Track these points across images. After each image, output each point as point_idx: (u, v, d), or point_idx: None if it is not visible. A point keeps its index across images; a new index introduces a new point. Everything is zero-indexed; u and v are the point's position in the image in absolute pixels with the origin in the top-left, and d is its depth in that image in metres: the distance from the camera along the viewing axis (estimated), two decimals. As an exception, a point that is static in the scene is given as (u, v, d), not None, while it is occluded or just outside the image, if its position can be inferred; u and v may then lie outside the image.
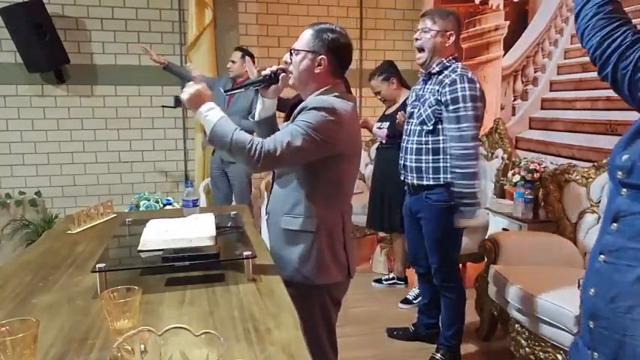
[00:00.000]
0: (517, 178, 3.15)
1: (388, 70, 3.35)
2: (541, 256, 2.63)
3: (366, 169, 4.71)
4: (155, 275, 1.47)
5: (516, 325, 2.43)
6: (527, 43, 3.86)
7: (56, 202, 4.34)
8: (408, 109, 2.46)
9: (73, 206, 4.13)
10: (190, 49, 4.21)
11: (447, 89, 2.22)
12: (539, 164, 3.15)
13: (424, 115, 2.31)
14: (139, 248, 1.51)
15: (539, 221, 3.08)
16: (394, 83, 3.34)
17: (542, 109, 3.64)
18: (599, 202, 2.62)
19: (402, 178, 2.51)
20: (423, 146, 2.33)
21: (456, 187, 2.24)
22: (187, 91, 1.55)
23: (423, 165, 2.35)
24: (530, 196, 3.12)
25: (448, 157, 2.27)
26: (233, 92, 1.88)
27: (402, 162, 2.46)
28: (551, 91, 3.63)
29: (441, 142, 2.29)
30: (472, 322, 2.91)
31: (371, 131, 3.70)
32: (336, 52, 1.60)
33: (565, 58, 4.27)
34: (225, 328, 1.14)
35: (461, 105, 2.19)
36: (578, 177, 2.74)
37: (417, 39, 2.32)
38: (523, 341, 2.38)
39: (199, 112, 1.54)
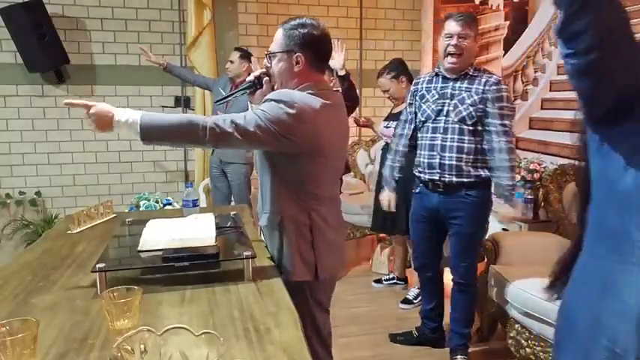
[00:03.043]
0: (517, 178, 3.15)
1: (398, 68, 3.29)
2: (541, 256, 2.62)
3: (366, 168, 4.71)
4: (155, 275, 1.47)
5: (516, 325, 2.43)
6: (527, 43, 3.86)
7: (56, 202, 4.34)
8: (432, 106, 2.41)
9: (73, 206, 4.12)
10: (190, 49, 4.21)
11: (494, 88, 2.30)
12: (539, 164, 3.14)
13: (465, 113, 2.32)
14: (139, 248, 1.52)
15: (539, 221, 3.08)
16: (403, 82, 3.27)
17: (542, 109, 3.64)
18: (599, 202, 2.62)
19: (427, 177, 2.45)
20: (465, 145, 2.33)
21: (502, 179, 2.33)
22: (89, 121, 1.46)
23: (464, 163, 2.34)
24: (530, 196, 3.12)
25: (496, 152, 2.31)
26: (223, 101, 1.89)
27: (435, 160, 2.39)
28: (551, 91, 3.63)
29: (477, 142, 2.34)
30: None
31: (373, 129, 3.67)
32: (311, 47, 1.56)
33: (565, 58, 4.28)
34: (225, 328, 1.14)
35: (505, 104, 2.30)
36: (578, 177, 2.74)
37: (455, 45, 2.30)
38: (523, 341, 2.38)
39: (117, 123, 1.43)
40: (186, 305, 1.28)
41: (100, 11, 4.26)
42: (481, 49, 4.24)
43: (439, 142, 2.38)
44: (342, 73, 3.16)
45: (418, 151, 2.50)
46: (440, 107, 2.38)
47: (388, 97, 3.42)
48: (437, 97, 2.41)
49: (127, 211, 2.52)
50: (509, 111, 2.32)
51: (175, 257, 1.46)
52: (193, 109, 4.42)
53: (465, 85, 2.35)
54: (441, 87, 2.41)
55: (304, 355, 1.04)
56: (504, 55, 4.01)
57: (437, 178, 2.40)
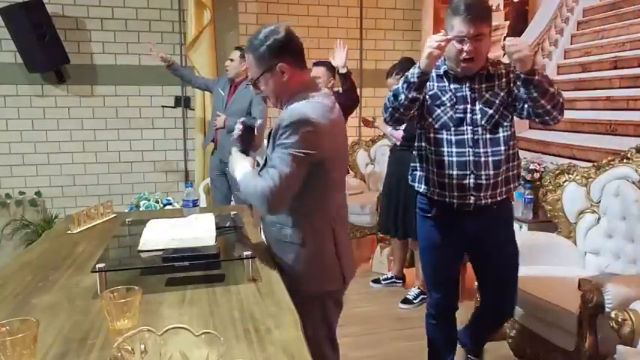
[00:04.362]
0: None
1: (407, 68, 3.23)
2: (541, 256, 2.63)
3: (366, 168, 4.71)
4: (155, 275, 1.47)
5: (516, 325, 2.43)
6: (527, 43, 3.85)
7: (56, 202, 4.34)
8: (450, 112, 1.94)
9: (73, 206, 4.12)
10: (190, 49, 4.21)
11: (512, 68, 1.90)
12: (539, 164, 3.14)
13: (497, 117, 1.90)
14: (139, 248, 1.52)
15: (539, 221, 3.08)
16: None
17: (542, 109, 3.63)
18: (599, 202, 2.62)
19: (454, 201, 1.96)
20: (502, 157, 1.91)
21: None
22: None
23: (499, 179, 1.93)
24: (530, 196, 3.12)
25: None
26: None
27: (468, 181, 1.91)
28: (551, 91, 3.62)
29: (511, 147, 1.94)
30: (472, 322, 2.91)
31: (381, 129, 3.64)
32: (285, 51, 1.52)
33: (565, 58, 4.27)
34: (225, 328, 1.14)
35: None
36: (578, 177, 2.74)
37: (469, 51, 1.83)
38: (523, 341, 2.38)
39: (232, 171, 1.62)
40: (187, 305, 1.28)
41: (100, 11, 4.26)
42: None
43: (471, 157, 1.91)
44: (343, 71, 3.16)
45: (429, 167, 2.01)
46: (461, 115, 1.92)
47: None
48: (454, 101, 1.93)
49: (127, 211, 2.52)
50: None
51: (175, 257, 1.46)
52: (193, 109, 4.43)
53: (484, 84, 1.93)
54: (455, 88, 1.94)
55: (304, 355, 1.04)
56: (504, 55, 4.01)
57: (471, 201, 1.94)
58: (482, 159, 1.90)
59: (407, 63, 3.27)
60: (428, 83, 1.95)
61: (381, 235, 4.02)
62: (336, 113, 1.61)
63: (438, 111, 1.95)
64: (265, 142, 1.66)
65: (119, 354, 0.84)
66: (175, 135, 4.57)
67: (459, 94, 1.93)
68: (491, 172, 1.90)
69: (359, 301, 3.37)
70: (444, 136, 1.94)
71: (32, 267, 1.58)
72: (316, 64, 3.38)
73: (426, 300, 3.34)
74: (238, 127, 1.67)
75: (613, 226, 2.52)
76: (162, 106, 4.45)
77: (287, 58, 1.53)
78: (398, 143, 3.31)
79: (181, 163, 4.62)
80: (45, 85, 4.21)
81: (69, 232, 1.96)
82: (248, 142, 1.65)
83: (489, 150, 1.90)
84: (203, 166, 4.36)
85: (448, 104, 1.94)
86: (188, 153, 4.60)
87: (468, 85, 1.93)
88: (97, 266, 1.35)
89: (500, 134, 1.91)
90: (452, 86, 1.95)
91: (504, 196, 1.98)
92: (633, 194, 2.42)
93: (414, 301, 3.33)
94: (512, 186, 2.00)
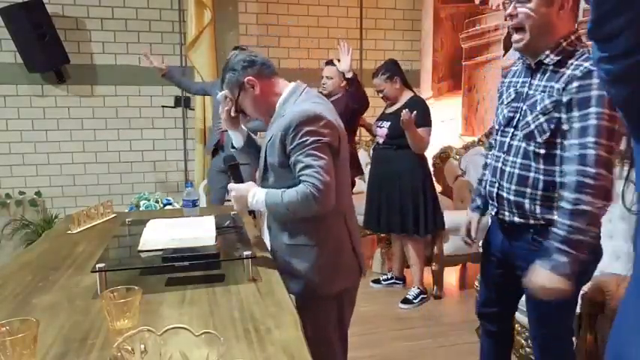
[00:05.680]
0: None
1: (392, 69, 3.30)
2: (541, 256, 2.63)
3: (366, 168, 4.70)
4: (155, 275, 1.47)
5: (516, 325, 2.43)
6: (527, 43, 3.85)
7: (56, 202, 4.34)
8: (504, 111, 1.67)
9: (73, 206, 4.13)
10: (190, 49, 4.21)
11: (575, 84, 1.46)
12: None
13: (533, 126, 1.55)
14: (139, 248, 1.52)
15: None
16: (397, 82, 3.28)
17: (542, 109, 3.63)
18: (599, 202, 2.61)
19: (491, 210, 1.76)
20: (531, 174, 1.57)
21: (558, 226, 1.45)
22: (233, 203, 1.63)
23: (528, 199, 1.59)
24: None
25: (566, 188, 1.48)
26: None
27: (494, 189, 1.69)
28: (551, 91, 3.62)
29: (550, 173, 1.55)
30: (472, 321, 2.90)
31: (369, 130, 3.67)
32: (246, 67, 1.59)
33: (565, 58, 4.28)
34: (225, 328, 1.14)
35: (592, 110, 1.42)
36: (578, 177, 2.74)
37: (510, 15, 1.54)
38: (523, 341, 2.38)
39: (250, 205, 1.58)
40: (187, 305, 1.28)
41: (100, 11, 4.26)
42: (481, 49, 4.25)
43: (500, 164, 1.67)
44: (349, 75, 3.16)
45: None
46: (512, 113, 1.64)
47: (382, 97, 3.41)
48: (512, 97, 1.66)
49: (127, 211, 2.52)
50: (600, 119, 1.40)
51: (175, 257, 1.46)
52: (193, 109, 4.42)
53: (543, 81, 1.55)
54: (522, 82, 1.64)
55: (304, 355, 1.04)
56: (504, 54, 4.00)
57: (493, 214, 1.74)
58: (508, 169, 1.63)
59: (391, 64, 3.34)
60: (504, 82, 1.76)
61: (382, 235, 4.02)
62: (329, 104, 1.65)
63: (497, 111, 1.74)
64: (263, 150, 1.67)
65: (119, 354, 0.84)
66: (175, 135, 4.57)
67: (520, 89, 1.64)
68: (513, 187, 1.61)
69: (359, 301, 3.30)
70: (495, 138, 1.75)
71: (32, 267, 1.58)
72: (328, 63, 3.39)
73: (426, 300, 3.37)
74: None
75: (613, 227, 2.52)
76: (163, 106, 4.45)
77: (250, 72, 1.59)
78: (381, 141, 3.35)
79: (181, 163, 4.62)
80: (45, 85, 4.21)
81: (69, 232, 1.96)
82: (240, 177, 1.69)
83: (519, 161, 1.60)
84: (203, 166, 4.36)
85: (505, 102, 1.69)
86: (188, 153, 4.60)
87: (529, 79, 1.61)
88: (97, 266, 1.35)
89: (532, 149, 1.56)
90: (520, 79, 1.66)
91: (543, 223, 1.57)
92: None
93: (414, 301, 3.33)
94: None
